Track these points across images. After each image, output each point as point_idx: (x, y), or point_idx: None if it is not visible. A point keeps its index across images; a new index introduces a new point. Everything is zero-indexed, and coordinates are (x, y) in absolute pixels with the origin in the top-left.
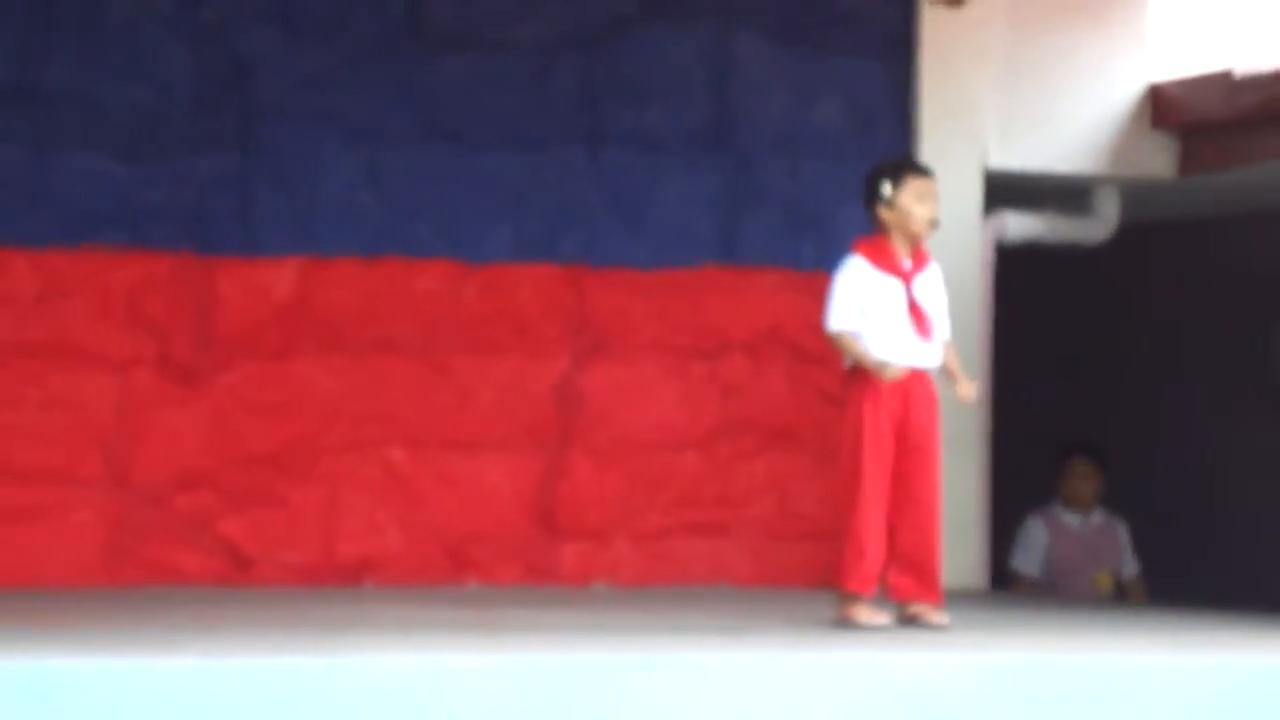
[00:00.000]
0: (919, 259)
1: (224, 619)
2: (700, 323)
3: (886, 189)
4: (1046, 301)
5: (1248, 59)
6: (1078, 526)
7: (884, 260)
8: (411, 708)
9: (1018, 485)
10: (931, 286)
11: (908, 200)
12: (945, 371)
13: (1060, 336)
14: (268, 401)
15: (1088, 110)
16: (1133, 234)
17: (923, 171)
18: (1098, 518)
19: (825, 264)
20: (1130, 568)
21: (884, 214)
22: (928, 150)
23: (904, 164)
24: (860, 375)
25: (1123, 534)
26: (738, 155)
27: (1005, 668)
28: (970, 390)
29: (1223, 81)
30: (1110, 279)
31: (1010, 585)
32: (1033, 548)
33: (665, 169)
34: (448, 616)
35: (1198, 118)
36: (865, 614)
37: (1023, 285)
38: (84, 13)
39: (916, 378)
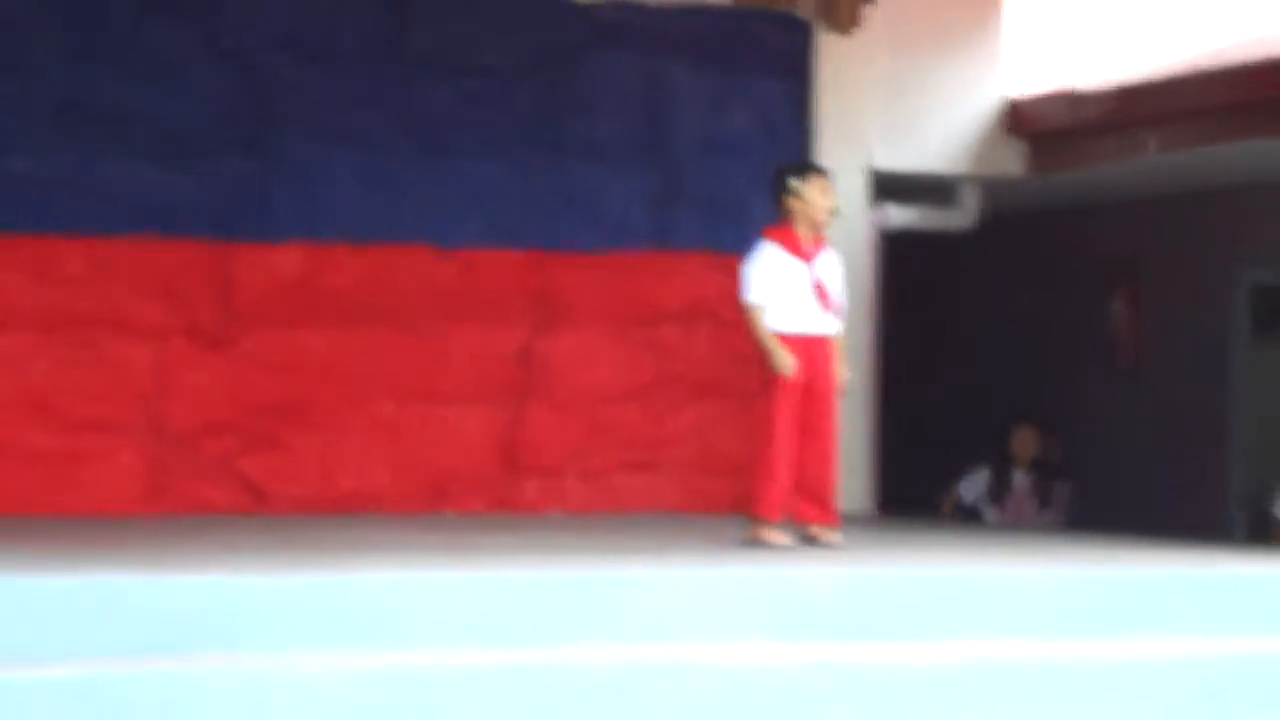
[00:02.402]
0: (818, 243)
1: (243, 542)
2: (639, 297)
3: (795, 183)
4: (924, 282)
5: (1088, 76)
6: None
7: (790, 244)
8: (400, 615)
9: (892, 430)
10: (830, 267)
11: (813, 193)
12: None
13: (933, 311)
14: (278, 363)
15: (954, 119)
16: (992, 224)
17: (823, 171)
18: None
19: (741, 248)
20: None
21: (793, 204)
22: (823, 153)
23: (808, 165)
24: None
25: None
26: (668, 159)
27: (888, 579)
28: (842, 376)
29: (1067, 96)
30: (974, 262)
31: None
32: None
33: (609, 170)
34: (429, 540)
35: (1046, 126)
36: (772, 535)
37: (904, 268)
38: (125, 40)
39: (819, 341)
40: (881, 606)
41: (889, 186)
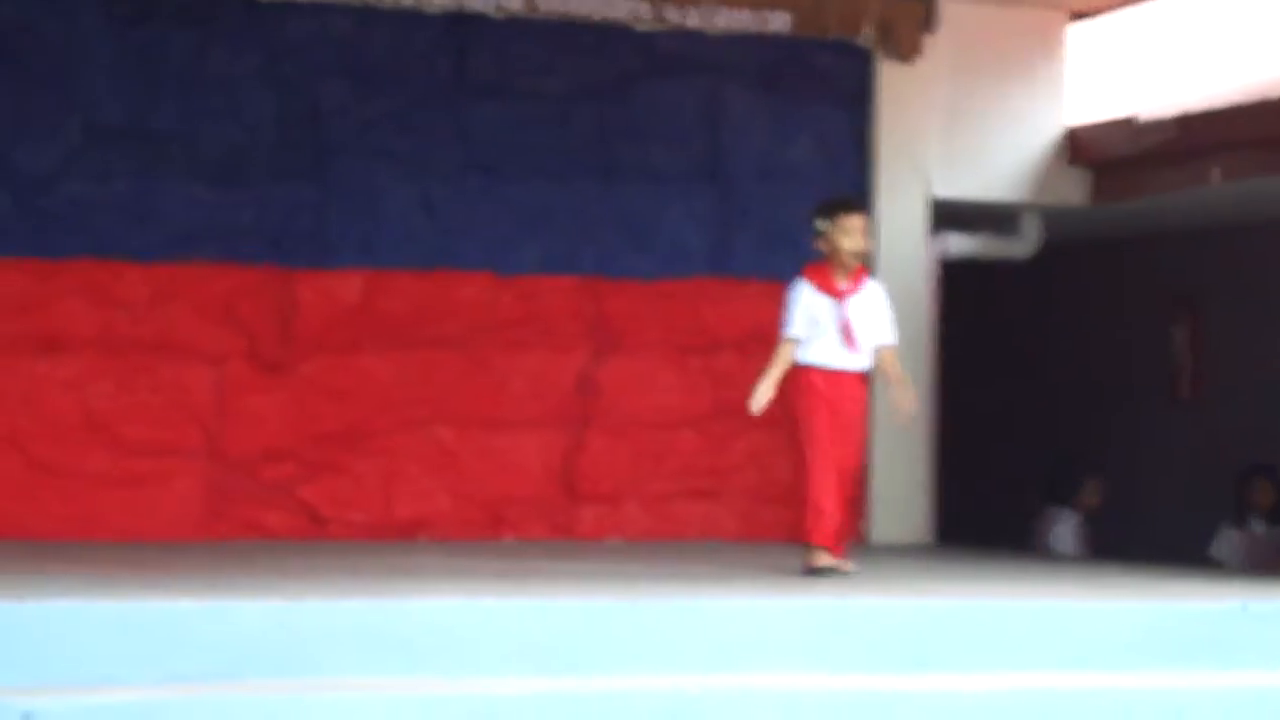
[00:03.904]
0: (856, 280)
1: (301, 568)
2: (696, 324)
3: (820, 225)
4: (983, 311)
5: (1150, 104)
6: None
7: (823, 282)
8: (459, 641)
9: (954, 462)
10: (868, 303)
11: (837, 235)
12: (889, 378)
13: (993, 341)
14: (338, 388)
15: (1015, 148)
16: (1053, 252)
17: (853, 209)
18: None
19: (799, 274)
20: None
21: (820, 245)
22: (882, 182)
23: (837, 203)
24: (800, 374)
25: None
26: (726, 185)
27: (947, 609)
28: (909, 402)
29: (1128, 125)
30: (1033, 292)
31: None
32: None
33: (666, 197)
34: (487, 566)
35: (1107, 155)
36: (827, 562)
37: (963, 297)
38: (185, 66)
39: (845, 377)
40: (941, 636)
41: (949, 215)
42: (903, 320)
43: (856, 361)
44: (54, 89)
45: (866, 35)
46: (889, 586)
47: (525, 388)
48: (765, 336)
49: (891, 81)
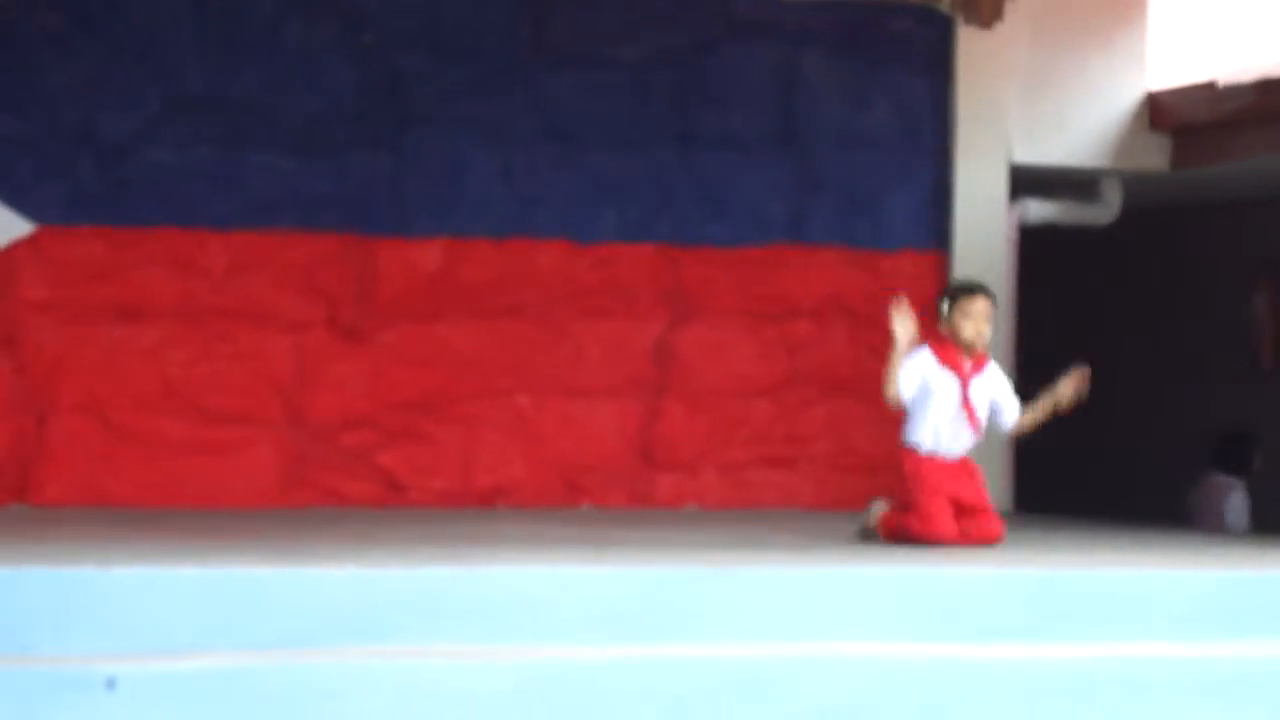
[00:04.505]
0: (979, 362)
1: (381, 535)
2: (772, 292)
3: (944, 308)
4: (1064, 276)
5: (1231, 68)
6: None
7: (947, 357)
8: (537, 608)
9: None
10: (989, 384)
11: (957, 319)
12: (1039, 412)
13: (1073, 306)
14: (417, 356)
15: (1095, 114)
16: (1134, 218)
17: (974, 292)
18: None
19: (878, 243)
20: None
21: (942, 328)
22: (961, 148)
23: (959, 286)
24: (913, 460)
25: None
26: (803, 152)
27: (1025, 578)
28: (1069, 386)
29: (1209, 90)
30: (1112, 258)
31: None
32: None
33: (743, 163)
34: (565, 533)
35: (1188, 120)
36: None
37: (1044, 262)
38: (264, 35)
39: (963, 464)
40: (1021, 605)
41: (1029, 180)
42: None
43: (970, 442)
44: (135, 58)
45: (946, 1)
46: (970, 555)
47: (602, 355)
48: (843, 304)
49: (971, 47)
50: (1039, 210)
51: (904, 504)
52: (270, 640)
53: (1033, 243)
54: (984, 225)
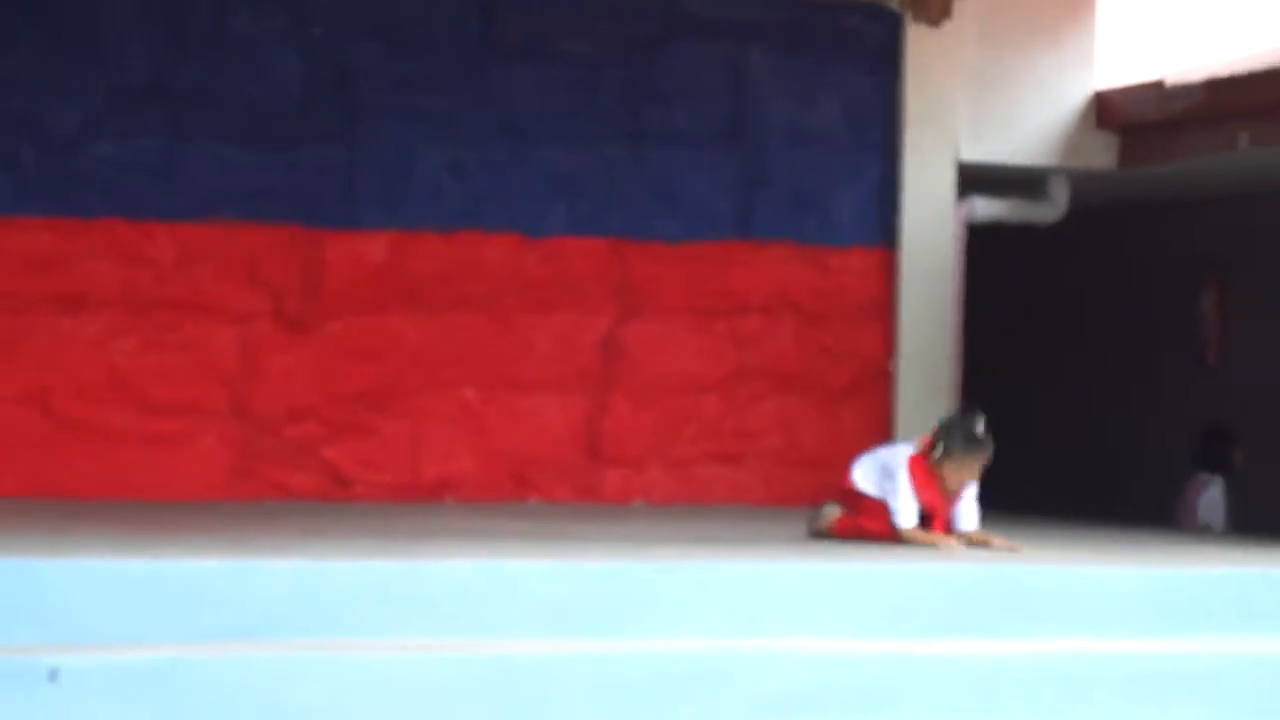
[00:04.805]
0: (957, 493)
1: (327, 529)
2: (721, 288)
3: (938, 452)
4: (1011, 274)
5: (1179, 69)
6: None
7: (925, 486)
8: (482, 602)
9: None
10: (961, 500)
11: (949, 469)
12: (982, 543)
13: (1020, 304)
14: (363, 349)
15: (1043, 112)
16: (1081, 217)
17: (971, 448)
18: None
19: (826, 239)
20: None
21: (932, 455)
22: (909, 145)
23: (958, 439)
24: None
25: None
26: (752, 148)
27: (968, 574)
28: (1003, 542)
29: (1157, 89)
30: (1062, 256)
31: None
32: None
33: (692, 159)
34: (512, 528)
35: (1135, 119)
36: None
37: (989, 260)
38: (212, 25)
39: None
40: (970, 601)
41: (977, 178)
42: (928, 285)
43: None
44: (80, 48)
45: None
46: (911, 551)
47: (551, 350)
48: (790, 300)
49: (919, 45)
50: (986, 208)
51: (857, 511)
52: (215, 633)
53: (980, 240)
54: (931, 223)
